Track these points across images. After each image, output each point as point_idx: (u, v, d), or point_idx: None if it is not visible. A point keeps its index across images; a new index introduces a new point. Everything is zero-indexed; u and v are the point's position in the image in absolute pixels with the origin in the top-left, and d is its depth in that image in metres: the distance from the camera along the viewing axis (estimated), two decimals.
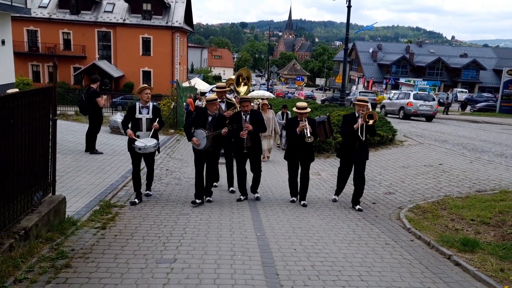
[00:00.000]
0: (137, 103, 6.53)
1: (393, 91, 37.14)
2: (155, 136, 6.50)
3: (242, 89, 9.05)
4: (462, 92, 51.66)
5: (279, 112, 13.44)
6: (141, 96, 6.46)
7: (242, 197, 7.04)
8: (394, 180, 8.71)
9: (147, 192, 6.91)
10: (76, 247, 4.44)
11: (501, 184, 7.58)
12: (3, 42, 19.69)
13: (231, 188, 7.62)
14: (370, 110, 7.08)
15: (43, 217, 4.50)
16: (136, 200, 6.48)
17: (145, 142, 6.34)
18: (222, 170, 8.06)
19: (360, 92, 32.51)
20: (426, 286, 3.98)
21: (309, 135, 6.46)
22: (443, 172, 8.86)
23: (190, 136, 6.46)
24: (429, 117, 23.04)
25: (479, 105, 36.08)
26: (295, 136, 6.70)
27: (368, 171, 9.78)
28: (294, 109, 6.88)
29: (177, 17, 40.95)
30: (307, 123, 6.59)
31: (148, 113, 6.47)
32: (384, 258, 4.67)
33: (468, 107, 36.48)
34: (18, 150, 4.07)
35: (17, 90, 6.95)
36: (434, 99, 24.31)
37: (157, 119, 6.51)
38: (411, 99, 23.37)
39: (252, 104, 7.69)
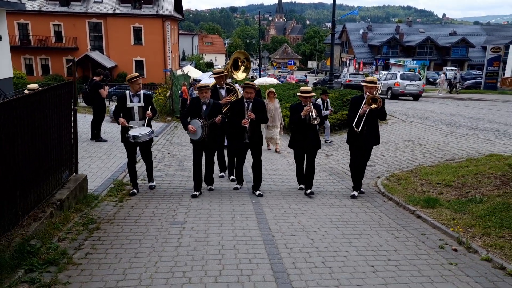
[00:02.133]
0: (128, 92, 6.31)
1: (383, 72, 37.90)
2: (149, 125, 6.30)
3: (241, 74, 8.21)
4: (452, 70, 52.62)
5: (319, 100, 11.81)
6: (132, 86, 6.24)
7: (238, 185, 6.94)
8: (375, 155, 9.61)
9: (151, 184, 6.77)
10: (101, 215, 5.31)
11: (468, 153, 8.52)
12: (0, 38, 20.22)
13: (232, 177, 7.49)
14: (379, 92, 6.57)
15: (72, 191, 5.36)
16: (134, 190, 6.43)
17: (139, 130, 6.13)
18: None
19: (350, 74, 33.20)
20: (390, 232, 4.91)
21: (314, 116, 6.24)
22: (419, 145, 9.78)
23: (186, 125, 6.24)
24: (415, 96, 23.93)
25: (466, 82, 36.99)
26: (299, 122, 6.42)
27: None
28: (298, 93, 6.62)
29: (167, 5, 41.24)
30: (312, 106, 6.34)
31: (139, 101, 6.26)
32: (358, 215, 5.60)
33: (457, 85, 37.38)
34: (51, 135, 4.91)
35: (36, 85, 7.67)
36: (420, 79, 25.21)
37: (150, 107, 6.30)
38: (398, 79, 24.23)
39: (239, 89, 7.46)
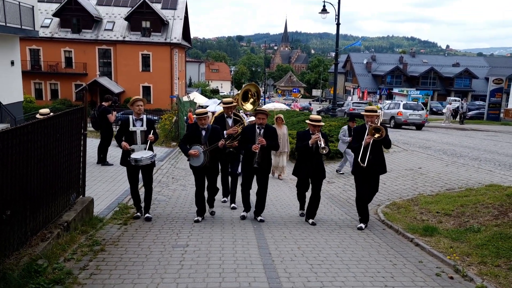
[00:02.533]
0: (130, 116, 6.34)
1: (387, 101, 38.35)
2: (150, 149, 6.32)
3: (249, 106, 8.21)
4: (455, 100, 53.09)
5: (345, 127, 11.09)
6: (133, 108, 6.28)
7: (245, 213, 6.80)
8: None
9: (147, 215, 6.46)
10: (106, 237, 5.45)
11: (468, 183, 8.62)
12: (12, 63, 20.85)
13: (233, 205, 7.51)
14: (381, 120, 6.37)
15: (78, 213, 5.53)
16: (139, 214, 6.49)
17: (141, 154, 6.13)
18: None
19: (353, 102, 33.65)
20: (388, 259, 5.00)
21: (323, 145, 6.20)
22: (420, 174, 9.90)
23: (187, 151, 6.19)
24: (418, 126, 24.15)
25: (470, 113, 37.30)
26: (306, 149, 6.38)
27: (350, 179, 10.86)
28: (307, 121, 6.59)
29: (175, 33, 42.35)
30: (320, 135, 6.33)
31: (142, 125, 6.29)
32: (358, 242, 5.70)
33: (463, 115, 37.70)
34: (61, 158, 5.12)
35: (48, 110, 7.94)
36: (423, 109, 25.49)
37: (152, 131, 6.36)
38: (401, 109, 24.53)
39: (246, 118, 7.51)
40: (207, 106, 21.27)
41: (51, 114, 8.58)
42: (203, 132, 6.27)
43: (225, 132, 7.06)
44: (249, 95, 8.21)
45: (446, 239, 5.63)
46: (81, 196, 6.05)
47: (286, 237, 5.82)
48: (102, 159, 11.13)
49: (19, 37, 21.48)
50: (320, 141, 6.23)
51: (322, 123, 6.56)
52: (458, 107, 31.14)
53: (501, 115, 31.49)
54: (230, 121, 7.41)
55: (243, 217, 6.71)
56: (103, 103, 11.18)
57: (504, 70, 60.64)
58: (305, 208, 6.89)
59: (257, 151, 6.26)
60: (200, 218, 6.48)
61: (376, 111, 6.37)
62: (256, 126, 6.45)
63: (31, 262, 4.07)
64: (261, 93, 8.94)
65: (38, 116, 8.48)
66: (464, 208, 6.89)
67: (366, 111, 6.40)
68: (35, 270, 4.01)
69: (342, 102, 38.98)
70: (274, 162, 10.75)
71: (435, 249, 5.29)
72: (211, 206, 6.89)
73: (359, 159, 6.12)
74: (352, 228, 6.44)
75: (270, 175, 10.62)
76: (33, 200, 4.43)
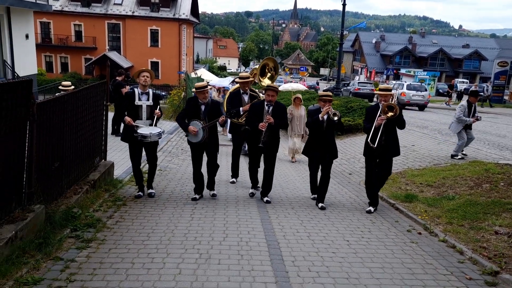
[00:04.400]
0: (136, 89, 6.02)
1: (393, 81, 38.62)
2: (156, 125, 6.05)
3: (267, 81, 7.93)
4: (463, 82, 53.09)
5: (464, 103, 9.58)
6: (138, 79, 5.94)
7: (254, 190, 6.64)
8: None
9: (150, 191, 6.33)
10: (126, 195, 6.29)
11: (455, 159, 9.33)
12: (27, 37, 21.51)
13: (232, 179, 7.57)
14: (395, 99, 6.14)
15: (102, 174, 6.36)
16: (141, 193, 6.28)
17: (149, 130, 5.84)
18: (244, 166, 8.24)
19: (359, 82, 33.96)
20: (368, 219, 5.81)
21: (333, 111, 5.98)
22: (413, 151, 10.62)
23: (186, 127, 5.94)
24: (421, 106, 24.68)
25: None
26: (317, 125, 6.10)
27: (351, 151, 11.60)
28: (318, 98, 6.49)
29: (184, 9, 42.50)
30: (331, 107, 6.07)
31: (148, 100, 5.97)
32: (345, 205, 6.51)
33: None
34: (89, 125, 5.92)
35: (69, 83, 8.69)
36: (426, 90, 25.94)
37: (159, 106, 6.13)
38: (405, 89, 24.99)
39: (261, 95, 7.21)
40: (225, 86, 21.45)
41: (72, 87, 9.33)
42: (203, 107, 5.95)
43: (241, 108, 6.95)
44: (267, 70, 7.93)
45: (423, 205, 6.41)
46: (103, 160, 6.87)
47: (293, 222, 5.53)
48: (116, 131, 11.93)
49: (33, 11, 22.06)
50: (330, 111, 5.98)
51: (332, 99, 6.39)
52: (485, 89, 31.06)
53: (506, 97, 31.77)
54: (246, 97, 7.14)
55: (252, 194, 6.57)
56: (117, 78, 11.91)
57: None
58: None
59: (264, 129, 6.00)
60: (197, 196, 6.27)
61: (390, 90, 6.17)
62: (265, 103, 6.18)
63: (68, 210, 4.92)
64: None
65: (61, 87, 9.20)
66: (445, 180, 7.64)
67: (380, 90, 6.16)
68: (72, 215, 4.85)
69: (348, 82, 39.27)
70: (291, 144, 10.63)
71: (411, 212, 6.08)
72: (211, 189, 6.46)
73: (369, 140, 5.90)
74: (342, 194, 7.22)
75: (290, 159, 10.65)
76: (67, 160, 5.24)
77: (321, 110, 6.09)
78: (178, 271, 3.89)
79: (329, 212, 6.09)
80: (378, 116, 5.84)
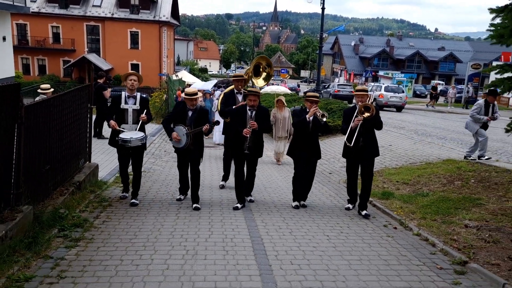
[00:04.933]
0: (123, 93, 5.91)
1: (371, 83, 39.40)
2: (142, 129, 5.91)
3: (261, 81, 7.66)
4: (439, 83, 54.60)
5: (480, 101, 9.26)
6: (125, 83, 5.87)
7: (239, 205, 6.21)
8: None
9: (133, 201, 6.03)
10: (111, 196, 6.39)
11: (429, 158, 9.73)
12: (4, 39, 21.18)
13: (222, 183, 7.49)
14: (371, 100, 6.20)
15: (87, 176, 6.44)
16: (125, 194, 6.25)
17: (131, 134, 5.74)
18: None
19: (338, 84, 34.55)
20: (347, 215, 6.08)
21: (321, 112, 6.00)
22: (390, 151, 10.99)
23: (170, 132, 5.89)
24: (399, 108, 25.33)
25: (448, 95, 38.67)
26: (303, 126, 6.08)
27: (331, 151, 11.91)
28: (305, 98, 6.46)
29: (164, 11, 42.37)
30: (318, 108, 6.08)
31: (135, 104, 5.86)
32: (325, 204, 6.76)
33: (442, 98, 39.07)
34: (74, 128, 6.00)
35: (48, 85, 8.69)
36: (403, 91, 26.65)
37: (145, 110, 5.95)
38: (382, 91, 25.63)
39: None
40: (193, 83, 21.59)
41: (52, 89, 9.30)
42: (190, 113, 5.86)
43: (234, 107, 6.67)
44: (261, 69, 7.58)
45: (398, 201, 6.72)
46: (87, 162, 6.94)
47: (276, 219, 5.71)
48: (98, 133, 11.94)
49: (10, 13, 21.73)
50: (318, 112, 6.01)
51: (319, 100, 6.41)
52: (441, 90, 31.76)
53: (479, 98, 32.83)
54: (240, 97, 6.94)
55: (236, 208, 6.16)
56: (98, 80, 11.93)
57: (487, 55, 61.96)
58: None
59: (248, 135, 5.89)
60: (182, 196, 6.32)
61: (367, 91, 6.24)
62: (248, 108, 6.02)
63: (55, 210, 5.00)
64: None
65: (39, 91, 9.17)
66: (419, 178, 8.00)
67: (357, 91, 6.25)
68: (59, 216, 4.94)
69: (328, 84, 39.88)
70: (276, 148, 10.56)
71: (388, 208, 6.38)
72: (195, 202, 6.08)
73: (345, 139, 6.02)
74: (322, 193, 7.47)
75: (276, 162, 10.50)
76: (53, 161, 5.32)
77: (307, 110, 6.09)
78: (166, 266, 4.04)
79: (310, 209, 6.32)
80: (355, 117, 5.94)
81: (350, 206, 6.44)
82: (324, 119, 6.00)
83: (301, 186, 6.45)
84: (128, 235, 4.83)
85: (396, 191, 7.46)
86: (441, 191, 7.00)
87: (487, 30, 5.18)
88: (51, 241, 4.43)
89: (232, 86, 7.23)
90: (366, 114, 5.84)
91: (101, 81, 11.99)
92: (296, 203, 6.42)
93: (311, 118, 6.07)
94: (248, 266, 4.14)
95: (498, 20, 4.98)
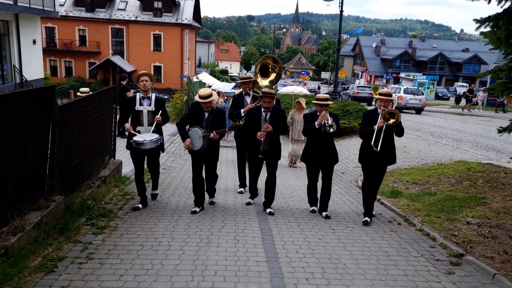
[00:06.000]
0: (138, 94, 5.78)
1: (392, 86, 39.21)
2: (158, 131, 5.78)
3: (265, 82, 7.25)
4: (463, 86, 53.73)
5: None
6: (138, 84, 5.73)
7: (251, 200, 6.33)
8: None
9: (153, 192, 6.29)
10: (134, 190, 6.85)
11: (442, 160, 9.90)
12: (34, 42, 22.23)
13: (240, 189, 7.24)
14: (395, 105, 5.76)
15: (112, 171, 6.95)
16: (139, 205, 5.89)
17: (144, 136, 5.56)
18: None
19: (357, 86, 34.61)
20: (355, 212, 6.38)
21: (330, 123, 5.64)
22: (403, 152, 11.17)
23: (184, 136, 5.69)
24: (418, 110, 25.27)
25: (474, 99, 38.15)
26: (314, 132, 5.80)
27: (346, 152, 12.16)
28: (314, 101, 6.03)
29: (186, 14, 43.27)
30: (328, 114, 5.75)
31: (150, 105, 5.70)
32: (335, 201, 7.04)
33: (464, 101, 38.52)
34: (101, 126, 6.51)
35: (87, 89, 9.29)
36: (423, 93, 26.55)
37: (160, 111, 5.74)
38: (402, 93, 25.60)
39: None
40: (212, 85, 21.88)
41: (90, 92, 9.92)
42: (206, 114, 5.66)
43: (241, 110, 6.67)
44: (270, 69, 7.26)
45: (406, 200, 6.97)
46: (112, 159, 7.46)
47: (285, 213, 6.01)
48: (121, 132, 12.54)
49: (40, 17, 22.78)
50: (327, 120, 5.69)
51: (330, 102, 5.95)
52: (464, 92, 30.71)
53: (505, 101, 32.17)
54: (248, 99, 6.80)
55: (248, 203, 6.29)
56: (122, 82, 12.56)
57: None
58: (317, 205, 6.30)
59: (262, 139, 5.72)
60: (197, 209, 5.91)
61: (391, 95, 5.76)
62: (262, 110, 5.82)
63: (83, 201, 5.51)
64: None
65: (79, 94, 9.77)
66: (429, 178, 8.21)
67: (380, 94, 5.81)
68: (87, 206, 5.44)
69: (348, 86, 39.90)
70: (292, 151, 10.40)
71: (394, 206, 6.64)
72: (211, 196, 6.32)
73: (372, 143, 5.54)
74: (336, 194, 7.78)
75: (291, 165, 10.25)
76: (82, 157, 5.84)
77: (318, 114, 5.82)
78: (182, 252, 4.47)
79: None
80: (380, 120, 5.53)
81: (368, 219, 5.85)
82: (331, 130, 5.66)
83: (321, 195, 6.12)
84: (149, 224, 5.29)
85: (405, 190, 7.70)
86: (448, 191, 7.21)
87: (481, 33, 5.44)
88: (80, 228, 4.92)
89: (241, 90, 7.14)
90: (392, 121, 5.45)
91: (124, 82, 12.62)
92: (313, 207, 6.22)
93: (321, 124, 5.76)
94: (256, 254, 4.52)
95: (482, 29, 5.31)
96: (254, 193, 6.49)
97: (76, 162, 5.47)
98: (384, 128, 5.53)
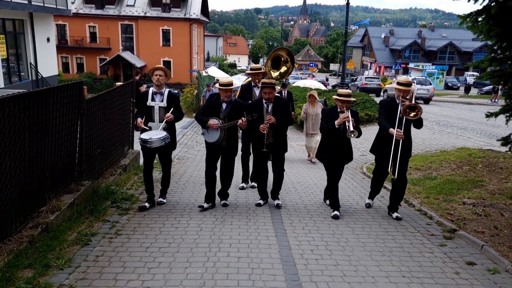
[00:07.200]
0: (150, 89, 5.53)
1: (401, 76, 39.25)
2: (171, 128, 5.52)
3: (275, 74, 7.11)
4: (473, 75, 53.44)
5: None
6: (152, 78, 5.46)
7: (262, 201, 5.99)
8: (369, 147, 11.44)
9: (160, 199, 5.88)
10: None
11: (445, 147, 10.26)
12: (48, 40, 22.87)
13: (242, 184, 6.94)
14: (414, 96, 5.42)
15: (131, 160, 7.47)
16: (146, 204, 5.64)
17: (152, 134, 5.31)
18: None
19: (366, 77, 34.75)
20: (358, 195, 6.82)
21: (351, 129, 5.19)
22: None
23: (205, 122, 5.38)
24: (426, 100, 25.46)
25: (485, 88, 38.12)
26: (332, 130, 5.38)
27: (352, 141, 12.51)
28: (335, 96, 5.55)
29: (194, 9, 43.68)
30: (350, 114, 5.27)
31: (162, 101, 5.42)
32: (343, 188, 7.48)
33: (476, 90, 38.49)
34: (120, 118, 7.02)
35: (121, 83, 9.82)
36: (431, 84, 26.69)
37: (172, 108, 5.42)
38: None
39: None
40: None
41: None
42: (224, 105, 5.44)
43: (250, 102, 6.23)
44: (282, 62, 7.11)
45: (408, 184, 7.36)
46: (131, 149, 7.98)
47: (295, 200, 6.48)
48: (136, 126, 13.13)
49: (53, 15, 23.40)
50: (348, 122, 5.21)
51: (353, 99, 5.47)
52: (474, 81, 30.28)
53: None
54: (257, 91, 6.45)
55: (258, 204, 5.97)
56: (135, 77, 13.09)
57: None
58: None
59: (265, 131, 5.45)
60: (206, 205, 5.68)
61: (410, 85, 5.32)
62: (264, 101, 5.54)
63: (107, 187, 6.03)
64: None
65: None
66: (431, 164, 8.59)
67: (399, 83, 5.35)
68: (111, 191, 5.97)
69: (356, 77, 40.04)
70: (307, 143, 10.16)
71: None
72: (223, 198, 5.91)
73: (395, 133, 5.20)
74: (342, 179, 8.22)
75: (306, 157, 10.15)
76: (105, 146, 6.35)
77: (338, 111, 5.42)
78: (200, 228, 4.97)
79: (322, 188, 7.09)
80: (400, 113, 5.25)
81: (370, 201, 6.16)
82: (353, 136, 5.23)
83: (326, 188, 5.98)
84: (168, 206, 5.80)
85: (408, 175, 8.07)
86: (448, 175, 7.60)
87: (467, 27, 5.82)
88: (106, 209, 5.44)
89: (249, 79, 6.90)
90: (412, 114, 5.16)
91: (137, 77, 13.13)
92: (336, 212, 5.70)
93: (341, 125, 5.35)
94: (266, 230, 5.00)
95: (466, 24, 5.72)
96: (264, 195, 6.05)
97: (99, 151, 5.97)
98: (404, 121, 5.22)
